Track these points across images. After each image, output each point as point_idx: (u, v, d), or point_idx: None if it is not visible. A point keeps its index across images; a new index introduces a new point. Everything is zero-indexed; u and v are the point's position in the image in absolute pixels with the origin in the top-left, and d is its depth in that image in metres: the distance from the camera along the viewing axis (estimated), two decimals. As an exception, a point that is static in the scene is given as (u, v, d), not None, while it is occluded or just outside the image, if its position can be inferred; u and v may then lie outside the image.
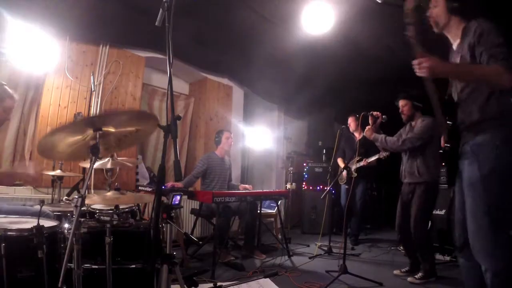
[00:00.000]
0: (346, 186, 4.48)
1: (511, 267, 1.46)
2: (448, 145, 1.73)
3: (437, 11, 1.76)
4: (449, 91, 1.81)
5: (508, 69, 1.45)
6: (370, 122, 3.16)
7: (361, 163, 4.13)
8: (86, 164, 3.33)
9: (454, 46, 1.77)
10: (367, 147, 3.48)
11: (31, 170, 1.98)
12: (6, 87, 2.14)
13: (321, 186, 5.43)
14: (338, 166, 4.46)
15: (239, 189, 3.95)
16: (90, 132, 1.57)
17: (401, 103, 3.16)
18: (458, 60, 1.70)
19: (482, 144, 1.57)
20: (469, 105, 1.64)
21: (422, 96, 3.09)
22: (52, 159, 2.94)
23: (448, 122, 1.75)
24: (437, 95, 1.71)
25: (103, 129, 1.56)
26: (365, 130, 3.18)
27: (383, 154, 3.68)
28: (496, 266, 1.48)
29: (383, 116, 3.15)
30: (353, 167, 4.17)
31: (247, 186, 4.06)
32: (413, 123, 3.14)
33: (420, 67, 1.55)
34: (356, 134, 4.50)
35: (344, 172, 4.30)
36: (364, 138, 4.48)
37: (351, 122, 4.47)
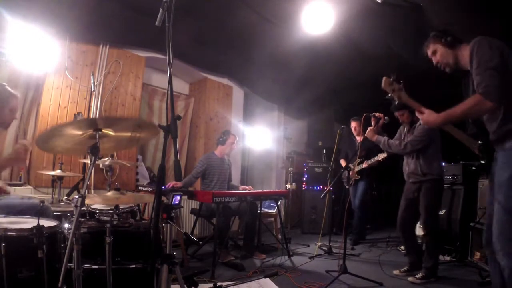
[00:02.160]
0: (347, 186, 4.49)
1: None
2: (484, 162, 1.88)
3: (440, 55, 1.87)
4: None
5: (485, 96, 1.57)
6: (372, 123, 3.16)
7: (362, 165, 4.17)
8: (86, 160, 3.35)
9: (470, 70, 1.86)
10: (368, 149, 3.49)
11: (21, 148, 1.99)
12: (8, 87, 2.14)
13: (321, 186, 5.43)
14: (340, 167, 4.48)
15: (239, 190, 3.95)
16: (90, 131, 1.57)
17: (397, 114, 3.17)
18: (473, 83, 1.78)
19: (509, 150, 1.66)
20: (494, 121, 1.73)
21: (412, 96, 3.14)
22: (50, 152, 2.94)
23: (479, 141, 1.88)
24: (454, 128, 1.87)
25: (103, 130, 1.57)
26: (367, 131, 3.18)
27: (381, 156, 3.69)
28: None
29: (386, 118, 3.15)
30: (355, 169, 4.20)
31: (247, 187, 4.06)
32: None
33: (425, 122, 1.81)
34: (358, 137, 4.52)
35: (351, 173, 4.33)
36: (365, 140, 4.51)
37: (356, 126, 4.46)
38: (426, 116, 1.79)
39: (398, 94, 1.95)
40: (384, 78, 1.95)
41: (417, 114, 1.86)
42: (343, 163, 4.64)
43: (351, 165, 4.35)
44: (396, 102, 1.99)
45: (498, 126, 1.71)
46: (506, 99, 1.62)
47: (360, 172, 4.25)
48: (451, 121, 1.79)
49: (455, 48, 1.83)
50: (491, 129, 1.76)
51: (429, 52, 1.95)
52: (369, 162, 3.90)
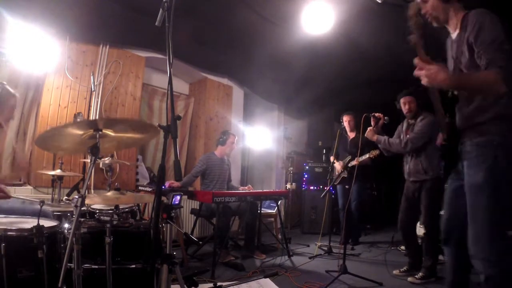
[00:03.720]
0: (347, 186, 4.47)
1: (503, 274, 1.46)
2: (445, 143, 1.73)
3: (431, 5, 1.68)
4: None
5: (504, 78, 1.40)
6: (372, 123, 3.16)
7: (353, 162, 4.08)
8: (86, 160, 3.36)
9: (453, 36, 1.70)
10: (360, 146, 3.45)
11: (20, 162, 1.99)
12: (7, 86, 2.14)
13: (321, 186, 5.43)
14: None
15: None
16: (90, 131, 1.57)
17: (406, 99, 3.11)
18: (455, 50, 1.66)
19: (482, 146, 1.53)
20: (471, 105, 1.60)
21: (425, 93, 3.10)
22: (50, 151, 2.94)
23: (447, 120, 1.73)
24: (438, 92, 1.68)
25: (103, 131, 1.57)
26: (367, 131, 3.18)
27: (373, 153, 3.66)
28: (490, 271, 1.48)
29: (385, 118, 3.15)
30: (343, 166, 4.14)
31: (246, 187, 4.05)
32: (411, 121, 3.14)
33: (423, 76, 1.47)
34: (350, 133, 4.49)
35: (338, 168, 4.27)
36: (356, 137, 4.49)
37: (350, 120, 4.40)
38: (435, 72, 1.43)
39: (418, 32, 1.62)
40: (414, 3, 1.68)
41: (421, 72, 1.47)
42: (332, 159, 4.60)
43: (337, 163, 4.29)
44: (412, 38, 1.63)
45: (472, 112, 1.58)
46: None
47: (351, 170, 4.11)
48: (461, 88, 1.58)
49: (448, 3, 1.64)
50: (466, 112, 1.62)
51: None
52: (360, 159, 3.84)
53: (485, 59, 1.46)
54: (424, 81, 1.47)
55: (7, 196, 1.92)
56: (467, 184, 1.59)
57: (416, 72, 1.49)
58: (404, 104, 3.14)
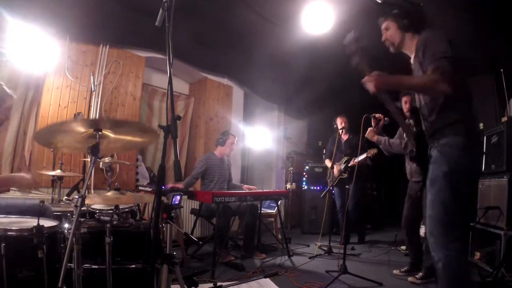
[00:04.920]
0: (347, 186, 4.47)
1: (458, 261, 1.61)
2: (415, 150, 1.89)
3: (390, 33, 1.92)
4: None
5: (442, 77, 1.57)
6: (372, 124, 3.15)
7: (351, 163, 4.08)
8: (86, 159, 3.36)
9: (411, 61, 1.88)
10: (360, 147, 3.45)
11: (28, 174, 1.98)
12: (4, 86, 2.14)
13: (321, 186, 5.43)
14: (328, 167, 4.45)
15: (242, 189, 3.95)
16: (90, 131, 1.57)
17: (407, 98, 3.14)
18: (415, 73, 1.82)
19: (443, 147, 1.69)
20: (430, 112, 1.76)
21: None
22: (49, 147, 2.94)
23: (414, 129, 1.91)
24: (394, 105, 1.89)
25: (103, 131, 1.57)
26: (367, 132, 3.17)
27: (371, 152, 3.66)
28: (445, 258, 1.61)
29: (386, 118, 3.14)
30: (341, 167, 4.14)
31: (250, 186, 4.05)
32: (411, 121, 3.13)
33: (367, 84, 1.71)
34: (343, 135, 4.50)
35: (335, 172, 4.27)
36: (349, 139, 4.50)
37: (344, 122, 4.38)
38: (375, 77, 1.70)
39: (359, 54, 1.91)
40: (348, 35, 1.92)
41: (365, 79, 1.74)
42: (328, 163, 4.59)
43: (335, 166, 4.29)
44: (357, 62, 1.91)
45: (436, 118, 1.73)
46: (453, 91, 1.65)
47: (350, 172, 4.08)
48: (401, 88, 1.82)
49: (406, 32, 1.86)
50: (428, 120, 1.77)
51: (382, 26, 1.98)
52: (357, 159, 3.83)
53: (431, 68, 1.63)
54: (369, 86, 1.70)
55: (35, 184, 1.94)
56: (429, 178, 1.75)
57: (363, 81, 1.72)
58: (405, 103, 3.14)
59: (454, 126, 1.68)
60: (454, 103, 1.68)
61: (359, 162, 3.77)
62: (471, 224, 3.46)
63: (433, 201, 1.70)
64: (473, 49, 3.65)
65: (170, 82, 1.51)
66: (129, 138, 1.71)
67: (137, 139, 1.73)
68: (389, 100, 1.86)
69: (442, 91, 1.61)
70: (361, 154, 3.54)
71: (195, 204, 4.15)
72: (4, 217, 1.82)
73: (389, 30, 1.93)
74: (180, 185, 3.39)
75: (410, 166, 3.13)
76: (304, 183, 5.68)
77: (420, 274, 2.92)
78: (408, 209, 3.13)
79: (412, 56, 1.86)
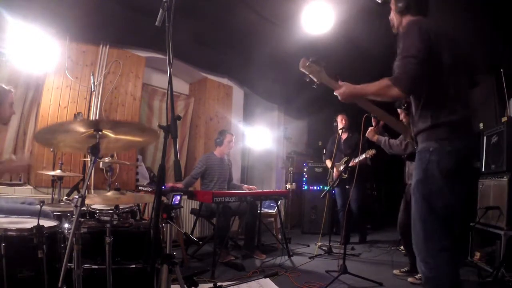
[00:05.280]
0: (347, 186, 4.47)
1: (437, 278, 1.50)
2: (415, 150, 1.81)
3: (392, 14, 1.85)
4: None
5: (393, 82, 1.51)
6: (373, 123, 3.15)
7: (350, 163, 4.07)
8: (86, 159, 3.36)
9: None
10: (361, 146, 3.45)
11: (23, 160, 1.98)
12: (2, 84, 2.16)
13: (321, 186, 5.43)
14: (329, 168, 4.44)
15: (242, 189, 3.95)
16: (90, 131, 1.57)
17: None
18: None
19: (421, 152, 1.62)
20: (414, 115, 1.70)
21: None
22: (49, 147, 2.95)
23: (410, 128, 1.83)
24: (380, 110, 1.88)
25: (103, 131, 1.57)
26: (368, 131, 3.17)
27: (370, 152, 3.65)
28: (426, 273, 1.53)
29: None
30: (341, 168, 4.14)
31: (251, 186, 4.05)
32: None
33: (337, 96, 1.76)
34: (342, 134, 4.49)
35: (335, 174, 4.28)
36: (348, 138, 4.49)
37: (345, 120, 4.35)
38: (343, 89, 1.73)
39: (318, 75, 1.93)
40: (301, 60, 1.94)
41: (335, 92, 1.80)
42: (328, 163, 4.60)
43: (339, 167, 4.30)
44: (316, 83, 1.96)
45: (415, 122, 1.68)
46: (423, 91, 1.57)
47: (350, 172, 4.08)
48: (364, 96, 1.73)
49: (401, 15, 1.77)
50: (412, 123, 1.72)
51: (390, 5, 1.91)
52: (357, 160, 3.82)
53: (395, 66, 1.57)
54: (339, 98, 1.75)
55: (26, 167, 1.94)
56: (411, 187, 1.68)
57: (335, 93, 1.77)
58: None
59: (428, 132, 1.59)
60: (429, 106, 1.59)
61: (358, 162, 3.78)
62: (471, 224, 3.46)
63: (413, 213, 1.61)
64: (473, 49, 3.65)
65: (170, 82, 1.51)
66: (129, 138, 1.71)
67: (137, 139, 1.73)
68: (371, 107, 1.85)
69: (393, 97, 1.54)
70: (360, 154, 3.54)
71: (195, 204, 4.15)
72: (4, 217, 1.83)
73: (392, 11, 1.85)
74: (179, 185, 3.39)
75: (408, 168, 3.12)
76: (304, 183, 5.68)
77: (420, 274, 2.91)
78: (403, 213, 3.11)
79: None
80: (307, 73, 1.94)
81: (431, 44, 1.52)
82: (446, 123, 1.55)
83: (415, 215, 1.60)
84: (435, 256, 1.51)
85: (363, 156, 3.68)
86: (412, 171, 2.99)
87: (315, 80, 1.94)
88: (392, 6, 1.83)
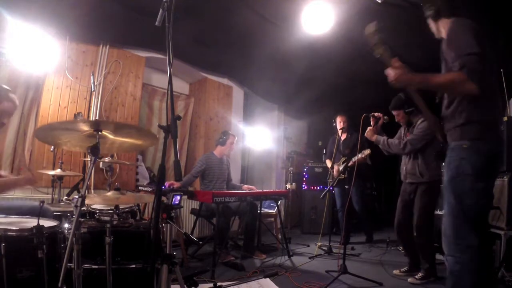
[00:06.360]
0: (346, 186, 4.46)
1: (466, 272, 1.56)
2: (442, 145, 1.82)
3: (429, 23, 1.87)
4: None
5: (469, 77, 1.49)
6: (371, 123, 3.15)
7: (348, 164, 4.07)
8: (87, 158, 3.36)
9: None
10: (359, 146, 3.44)
11: (27, 173, 1.97)
12: (13, 94, 2.11)
13: (321, 186, 5.43)
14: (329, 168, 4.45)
15: (242, 189, 3.95)
16: (90, 130, 1.58)
17: (395, 113, 3.16)
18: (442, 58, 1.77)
19: (454, 149, 1.65)
20: (446, 110, 1.71)
21: (410, 98, 3.13)
22: (49, 144, 2.94)
23: (440, 123, 1.82)
24: (421, 99, 1.82)
25: (103, 131, 1.57)
26: (366, 131, 3.17)
27: (366, 152, 3.65)
28: (452, 266, 1.59)
29: (385, 117, 3.14)
30: (340, 168, 4.14)
31: (250, 186, 4.05)
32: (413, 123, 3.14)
33: (389, 76, 1.66)
34: (341, 135, 4.51)
35: (335, 173, 4.28)
36: (347, 139, 4.50)
37: (344, 121, 4.40)
38: (400, 71, 1.63)
39: (380, 47, 1.82)
40: (369, 24, 1.83)
41: (388, 70, 1.69)
42: (328, 163, 4.60)
43: (335, 166, 4.31)
44: (377, 54, 1.87)
45: (448, 118, 1.69)
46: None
47: (351, 171, 4.12)
48: (426, 87, 1.68)
49: (437, 20, 1.81)
50: (445, 118, 1.73)
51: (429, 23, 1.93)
52: (354, 159, 3.82)
53: (457, 63, 1.55)
54: (390, 79, 1.64)
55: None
56: (444, 181, 1.71)
57: (386, 72, 1.67)
58: (396, 117, 3.17)
59: (462, 130, 1.61)
60: (467, 103, 1.60)
61: (355, 161, 3.78)
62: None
63: (445, 209, 1.67)
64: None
65: (170, 82, 1.51)
66: (128, 140, 1.71)
67: (136, 141, 1.74)
68: (416, 95, 1.80)
69: (469, 91, 1.51)
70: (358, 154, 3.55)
71: (195, 204, 4.15)
72: (4, 217, 1.82)
73: (429, 24, 1.88)
74: (178, 184, 3.39)
75: (405, 167, 3.12)
76: (304, 183, 5.68)
77: (420, 274, 2.92)
78: (400, 213, 3.10)
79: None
80: (371, 41, 1.81)
81: (481, 41, 1.54)
82: (481, 121, 1.59)
83: (446, 211, 1.65)
84: (463, 251, 1.56)
85: (358, 156, 3.69)
86: (410, 169, 3.02)
87: (377, 51, 1.81)
88: (428, 18, 1.87)
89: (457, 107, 1.63)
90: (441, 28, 1.79)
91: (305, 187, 5.64)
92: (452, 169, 1.61)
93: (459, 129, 1.63)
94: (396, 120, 3.19)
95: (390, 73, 1.65)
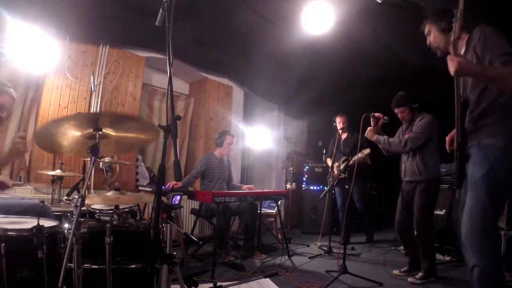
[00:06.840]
0: (346, 186, 4.47)
1: (495, 268, 1.57)
2: (455, 149, 1.76)
3: (433, 37, 1.86)
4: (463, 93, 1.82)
5: None
6: (371, 123, 3.15)
7: (349, 163, 4.06)
8: (87, 158, 3.36)
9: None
10: (359, 146, 3.44)
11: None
12: (11, 89, 2.10)
13: (321, 186, 5.43)
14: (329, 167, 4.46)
15: (242, 190, 3.94)
16: (90, 130, 1.57)
17: (397, 110, 3.15)
18: None
19: (486, 146, 1.62)
20: (477, 108, 1.69)
21: (412, 95, 3.10)
22: (49, 150, 2.93)
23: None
24: (461, 98, 1.75)
25: (103, 130, 1.57)
26: (367, 131, 3.17)
27: (365, 152, 3.65)
28: (476, 261, 1.58)
29: (385, 117, 3.14)
30: (340, 167, 4.14)
31: (250, 186, 4.05)
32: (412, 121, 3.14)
33: (449, 64, 1.57)
34: (342, 135, 4.51)
35: (335, 172, 4.28)
36: (347, 138, 4.51)
37: (344, 121, 4.41)
38: (462, 61, 1.55)
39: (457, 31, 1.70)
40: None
41: (449, 58, 1.60)
42: (329, 162, 4.61)
43: (335, 165, 4.31)
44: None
45: (478, 116, 1.68)
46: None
47: (351, 170, 4.11)
48: (482, 76, 1.63)
49: (447, 33, 1.78)
50: (472, 117, 1.71)
51: (425, 31, 1.92)
52: (354, 158, 3.82)
53: (499, 61, 1.54)
54: (450, 67, 1.57)
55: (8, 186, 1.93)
56: (469, 180, 1.67)
57: (448, 58, 1.59)
58: (398, 114, 3.17)
59: (499, 125, 1.61)
60: (504, 100, 1.60)
61: (355, 161, 3.77)
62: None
63: (471, 205, 1.63)
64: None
65: (170, 82, 1.51)
66: (129, 135, 1.70)
67: (137, 135, 1.71)
68: (459, 93, 1.75)
69: None
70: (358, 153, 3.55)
71: (195, 204, 4.15)
72: (4, 217, 1.82)
73: (431, 35, 1.87)
74: (179, 184, 3.39)
75: (404, 165, 3.12)
76: (304, 183, 5.68)
77: (420, 274, 2.92)
78: (400, 213, 3.10)
79: (462, 52, 1.75)
80: (460, 16, 1.68)
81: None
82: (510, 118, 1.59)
83: (473, 208, 1.62)
84: (488, 248, 1.57)
85: (358, 155, 3.69)
86: (409, 168, 3.02)
87: (453, 31, 1.69)
88: (432, 27, 1.85)
89: (490, 106, 1.63)
90: (471, 36, 1.72)
91: (305, 187, 5.64)
92: (484, 167, 1.60)
93: (492, 128, 1.62)
94: (400, 118, 3.18)
95: (452, 60, 1.56)
